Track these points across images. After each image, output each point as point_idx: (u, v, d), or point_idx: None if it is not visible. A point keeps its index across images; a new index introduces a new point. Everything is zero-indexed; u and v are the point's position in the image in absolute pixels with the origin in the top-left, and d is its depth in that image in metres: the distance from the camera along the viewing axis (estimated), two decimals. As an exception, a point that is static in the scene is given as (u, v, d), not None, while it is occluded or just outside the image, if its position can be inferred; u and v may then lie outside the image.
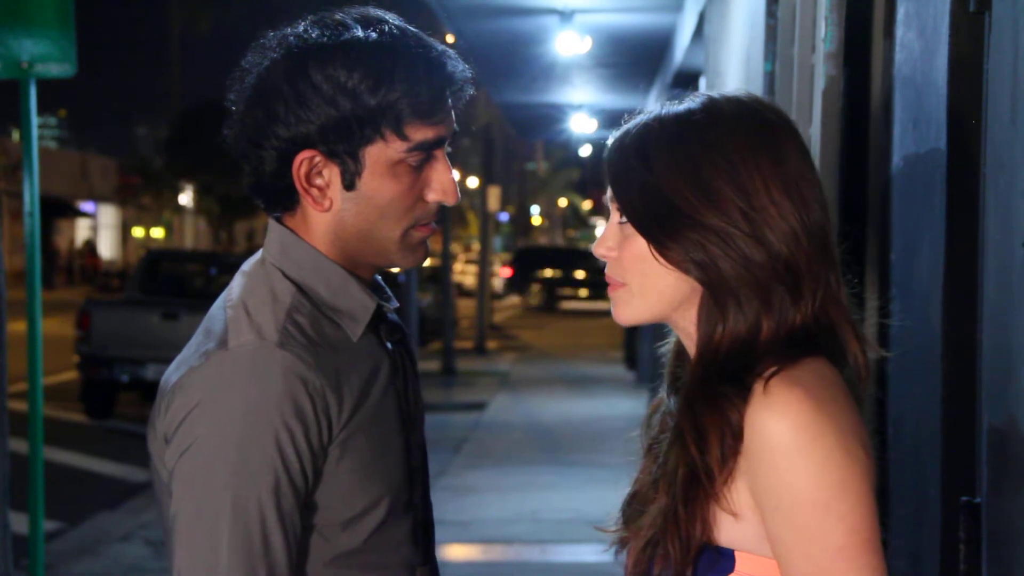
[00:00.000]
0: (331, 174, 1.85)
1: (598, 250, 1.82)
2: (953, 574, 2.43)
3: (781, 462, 1.62)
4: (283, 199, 1.90)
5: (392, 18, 1.89)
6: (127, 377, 13.18)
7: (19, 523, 6.54)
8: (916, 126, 2.85)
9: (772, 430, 1.63)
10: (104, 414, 13.64)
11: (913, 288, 2.87)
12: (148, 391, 13.43)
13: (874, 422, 3.26)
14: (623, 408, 14.64)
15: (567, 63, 14.52)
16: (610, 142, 1.82)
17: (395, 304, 1.99)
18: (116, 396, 13.77)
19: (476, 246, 39.62)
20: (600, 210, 71.91)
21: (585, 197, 78.88)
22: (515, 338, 26.59)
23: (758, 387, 1.66)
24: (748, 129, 1.75)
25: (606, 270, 1.83)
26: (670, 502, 1.71)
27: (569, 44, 12.66)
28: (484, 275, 24.16)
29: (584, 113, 19.82)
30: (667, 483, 1.73)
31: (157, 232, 56.39)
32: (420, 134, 1.85)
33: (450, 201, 1.91)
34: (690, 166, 1.73)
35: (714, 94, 1.80)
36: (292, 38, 1.86)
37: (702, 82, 9.56)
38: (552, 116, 20.17)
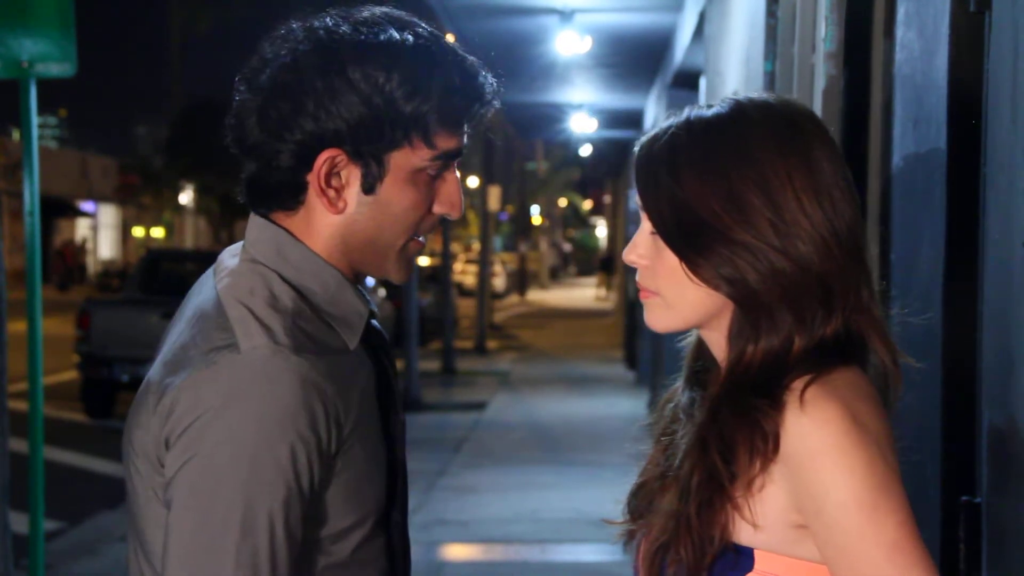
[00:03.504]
0: (350, 175, 1.79)
1: (629, 256, 1.79)
2: (953, 574, 2.43)
3: (826, 464, 1.62)
4: (286, 196, 1.81)
5: (421, 22, 1.85)
6: (127, 377, 13.19)
7: (19, 523, 6.54)
8: (916, 126, 2.85)
9: (814, 437, 1.62)
10: (104, 414, 13.66)
11: (913, 288, 2.87)
12: (148, 391, 13.40)
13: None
14: (623, 408, 14.62)
15: (567, 63, 14.52)
16: (637, 148, 1.79)
17: (375, 308, 1.92)
18: (116, 396, 13.79)
19: (476, 246, 39.60)
20: (600, 210, 71.89)
21: (585, 197, 78.84)
22: (515, 338, 26.59)
23: (792, 397, 1.65)
24: (778, 137, 1.71)
25: (637, 277, 1.80)
26: (682, 508, 1.69)
27: (569, 44, 12.67)
28: (484, 275, 24.16)
29: (584, 113, 19.83)
30: (680, 488, 1.71)
31: (157, 232, 56.33)
32: (445, 143, 1.82)
33: (455, 215, 1.88)
34: (719, 180, 1.70)
35: (742, 98, 1.76)
36: (322, 32, 1.79)
37: (702, 82, 9.56)
38: (552, 116, 20.18)
